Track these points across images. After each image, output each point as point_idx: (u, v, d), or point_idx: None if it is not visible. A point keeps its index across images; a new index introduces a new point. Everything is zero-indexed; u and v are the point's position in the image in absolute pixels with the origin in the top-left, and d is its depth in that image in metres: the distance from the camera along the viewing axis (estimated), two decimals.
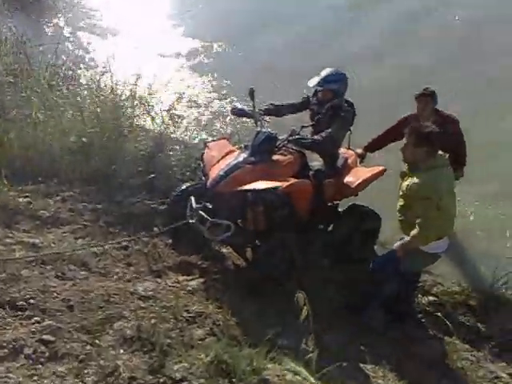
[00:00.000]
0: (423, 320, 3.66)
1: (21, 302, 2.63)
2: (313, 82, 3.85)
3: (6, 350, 2.29)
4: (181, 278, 3.47)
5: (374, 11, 8.66)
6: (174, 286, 3.33)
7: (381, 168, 4.12)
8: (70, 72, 5.94)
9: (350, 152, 4.28)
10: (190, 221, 3.52)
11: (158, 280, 3.37)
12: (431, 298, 3.85)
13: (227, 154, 3.80)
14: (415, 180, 3.06)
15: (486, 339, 3.55)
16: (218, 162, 3.70)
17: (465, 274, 4.12)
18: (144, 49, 7.62)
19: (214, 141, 4.29)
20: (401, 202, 3.19)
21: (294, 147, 3.79)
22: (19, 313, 2.56)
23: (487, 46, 7.33)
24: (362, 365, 3.05)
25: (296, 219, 3.67)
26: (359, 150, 4.42)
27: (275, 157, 3.70)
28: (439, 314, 3.57)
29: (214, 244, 3.87)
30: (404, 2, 8.70)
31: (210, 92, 6.83)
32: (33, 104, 4.59)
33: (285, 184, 3.43)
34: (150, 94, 5.51)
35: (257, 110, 3.93)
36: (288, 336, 2.98)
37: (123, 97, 5.15)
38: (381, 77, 6.89)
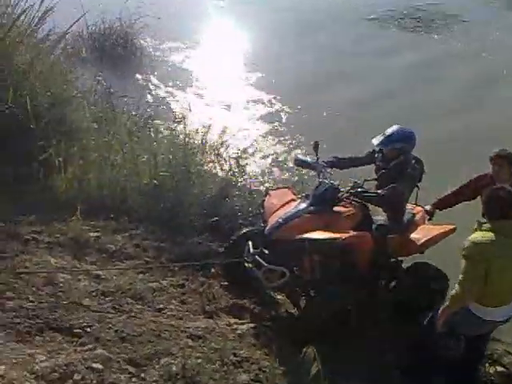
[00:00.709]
0: None
1: (78, 330, 2.78)
2: (377, 140, 3.80)
3: (56, 374, 2.40)
4: (232, 321, 3.48)
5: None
6: (224, 328, 3.34)
7: (451, 227, 3.94)
8: (150, 121, 6.40)
9: (418, 208, 4.14)
10: (246, 265, 3.57)
11: (210, 320, 3.40)
12: (499, 369, 3.51)
13: (288, 202, 3.84)
14: (471, 236, 2.91)
15: None
16: (278, 209, 3.75)
17: None
18: (217, 100, 8.08)
19: (276, 189, 4.37)
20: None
21: (356, 200, 3.75)
22: (75, 339, 2.70)
23: None
24: None
25: (354, 272, 3.57)
26: (428, 207, 4.25)
27: (336, 208, 3.67)
28: None
29: (268, 290, 3.85)
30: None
31: (276, 143, 7.03)
32: (112, 148, 5.00)
33: (344, 235, 3.39)
34: (219, 143, 5.81)
35: (320, 162, 3.96)
36: None
37: (195, 144, 5.46)
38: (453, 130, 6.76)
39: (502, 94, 7.87)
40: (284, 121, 7.67)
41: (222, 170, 5.68)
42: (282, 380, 2.95)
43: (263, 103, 8.18)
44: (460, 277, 2.88)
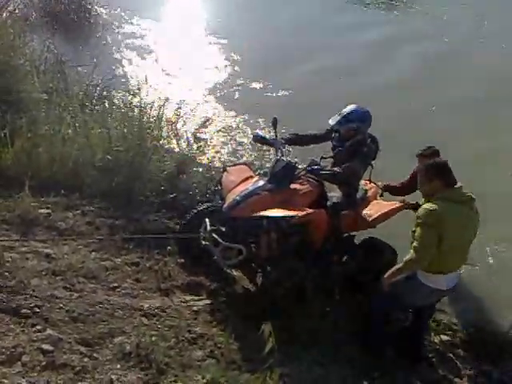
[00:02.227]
0: (433, 360, 3.51)
1: (25, 310, 2.69)
2: (333, 120, 3.85)
3: (3, 356, 2.34)
4: (188, 298, 3.48)
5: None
6: (179, 306, 3.34)
7: (402, 203, 4.02)
8: (104, 92, 6.16)
9: (371, 184, 4.23)
10: (203, 242, 3.56)
11: (165, 298, 3.39)
12: (444, 338, 3.70)
13: (246, 179, 3.83)
14: (425, 205, 3.03)
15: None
16: (236, 186, 3.73)
17: (482, 315, 3.94)
18: (175, 73, 7.85)
19: (233, 165, 4.34)
20: (413, 229, 3.12)
21: (312, 177, 3.80)
22: (23, 320, 2.62)
23: None
24: None
25: (310, 248, 3.65)
26: (380, 183, 4.38)
27: (293, 185, 3.71)
28: (451, 354, 3.42)
29: (225, 267, 3.85)
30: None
31: (236, 119, 6.95)
32: (63, 121, 4.79)
33: (301, 213, 3.43)
34: (176, 117, 5.68)
35: (278, 139, 3.97)
36: (288, 365, 2.92)
37: (151, 118, 5.31)
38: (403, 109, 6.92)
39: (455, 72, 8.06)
40: (244, 95, 7.56)
41: (179, 145, 5.59)
42: (237, 355, 2.99)
43: (224, 77, 8.02)
44: (415, 243, 2.99)
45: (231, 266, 3.70)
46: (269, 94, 7.62)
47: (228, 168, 4.13)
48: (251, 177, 3.88)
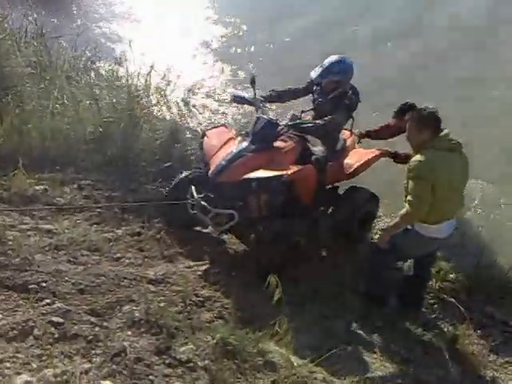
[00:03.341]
0: (436, 305, 3.60)
1: (32, 286, 2.72)
2: (315, 73, 3.76)
3: (15, 332, 2.36)
4: (192, 263, 3.52)
5: None
6: (184, 271, 3.38)
7: (381, 150, 4.04)
8: (89, 63, 6.02)
9: (347, 133, 4.18)
10: (192, 211, 3.50)
11: (169, 265, 3.42)
12: (446, 284, 3.78)
13: (227, 142, 3.75)
14: (415, 157, 3.03)
15: (500, 324, 3.47)
16: (219, 150, 3.65)
17: (482, 260, 4.01)
18: (160, 38, 7.65)
19: (212, 128, 4.20)
20: (405, 182, 3.13)
21: (295, 133, 3.73)
22: (31, 295, 2.64)
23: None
24: (366, 349, 3.03)
25: (299, 205, 3.65)
26: (357, 131, 4.33)
27: (277, 143, 3.65)
28: (453, 299, 3.50)
29: (217, 233, 3.77)
30: None
31: (225, 81, 6.83)
32: (51, 95, 4.69)
33: (289, 171, 3.40)
34: (165, 84, 5.57)
35: (257, 97, 3.86)
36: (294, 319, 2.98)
37: (139, 87, 5.21)
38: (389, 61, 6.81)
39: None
40: (232, 57, 7.41)
41: (170, 112, 5.51)
42: (245, 313, 3.05)
43: (210, 39, 7.84)
44: (409, 197, 3.00)
45: (223, 231, 3.64)
46: (257, 51, 7.47)
47: (207, 132, 4.00)
48: (232, 138, 3.80)
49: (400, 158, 4.12)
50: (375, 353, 3.03)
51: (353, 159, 3.91)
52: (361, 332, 3.18)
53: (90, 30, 7.49)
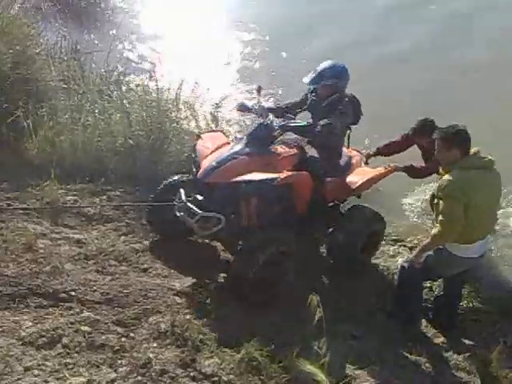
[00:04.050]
0: (468, 327, 3.48)
1: (62, 294, 2.76)
2: (308, 78, 3.65)
3: (44, 339, 2.40)
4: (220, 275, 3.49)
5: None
6: (210, 284, 3.36)
7: (388, 168, 3.91)
8: (120, 78, 6.16)
9: (354, 152, 4.08)
10: (178, 214, 3.29)
11: (195, 277, 3.41)
12: (478, 305, 3.66)
13: (222, 145, 3.60)
14: (446, 176, 2.96)
15: None
16: (212, 153, 3.50)
17: None
18: (188, 54, 7.79)
19: (208, 132, 4.10)
20: (435, 201, 3.07)
21: (293, 141, 3.61)
22: (60, 303, 2.68)
23: None
24: (395, 370, 2.94)
25: (293, 216, 3.43)
26: (364, 151, 4.28)
27: (273, 149, 3.47)
28: (484, 321, 3.39)
29: (202, 238, 3.60)
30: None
31: (250, 96, 6.88)
32: (83, 108, 4.81)
33: (282, 175, 3.20)
34: (194, 98, 5.64)
35: (261, 106, 3.72)
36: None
37: (168, 101, 5.30)
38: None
39: None
40: (257, 72, 7.49)
41: (198, 126, 5.57)
42: (272, 329, 3.01)
43: (236, 55, 7.96)
44: (440, 217, 2.94)
45: (209, 236, 3.44)
46: (283, 68, 7.51)
47: (202, 135, 3.90)
48: (228, 143, 3.65)
49: (415, 172, 4.06)
50: (404, 374, 2.94)
51: (357, 176, 3.75)
52: (389, 352, 3.09)
53: (122, 45, 7.68)
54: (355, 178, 3.72)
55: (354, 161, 3.94)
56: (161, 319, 2.80)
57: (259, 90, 3.83)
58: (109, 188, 4.28)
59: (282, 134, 3.54)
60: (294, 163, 3.46)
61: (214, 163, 3.29)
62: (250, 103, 3.91)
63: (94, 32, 8.00)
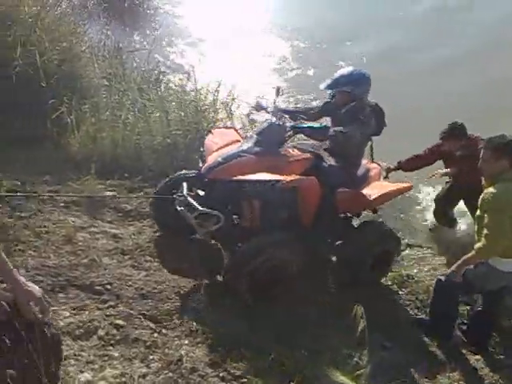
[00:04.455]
0: (505, 344, 3.38)
1: (98, 287, 2.83)
2: (324, 84, 3.49)
3: (81, 330, 2.47)
4: None
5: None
6: None
7: (406, 184, 3.77)
8: (160, 77, 6.28)
9: (374, 165, 3.85)
10: (178, 208, 3.18)
11: None
12: None
13: (232, 143, 3.48)
14: (490, 189, 2.88)
15: None
16: (220, 149, 3.38)
17: None
18: (228, 55, 7.88)
19: (220, 127, 3.98)
20: (478, 213, 2.99)
21: (308, 146, 3.49)
22: (96, 296, 2.75)
23: None
24: None
25: (298, 222, 3.27)
26: (385, 164, 4.16)
27: (283, 151, 3.32)
28: None
29: (200, 236, 3.34)
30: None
31: (286, 99, 6.89)
32: (124, 106, 4.93)
33: (288, 178, 3.05)
34: (231, 99, 5.70)
35: (276, 107, 3.58)
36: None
37: (206, 101, 5.37)
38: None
39: None
40: (298, 75, 7.49)
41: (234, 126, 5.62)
42: (300, 335, 3.00)
43: (276, 57, 8.00)
44: (485, 230, 2.86)
45: (207, 234, 3.23)
46: (323, 72, 7.49)
47: (213, 130, 3.79)
48: (238, 141, 3.53)
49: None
50: None
51: (373, 190, 3.48)
52: (422, 366, 3.03)
53: (163, 45, 7.82)
54: (370, 192, 3.43)
55: (371, 173, 3.73)
56: (193, 317, 2.83)
57: (278, 90, 3.66)
58: (146, 185, 4.36)
59: (293, 136, 3.43)
60: (304, 168, 3.30)
61: (219, 159, 3.17)
62: (265, 103, 3.78)
63: (137, 31, 8.19)
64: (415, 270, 4.13)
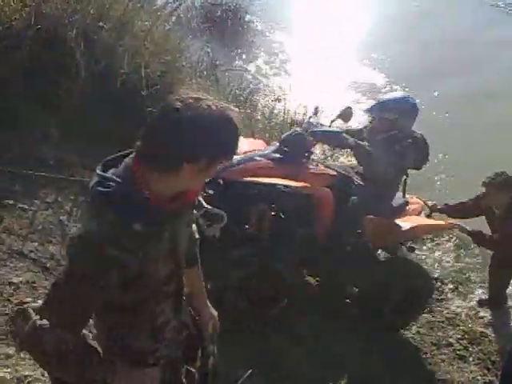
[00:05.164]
0: None
1: None
2: (368, 106, 3.35)
3: None
4: None
5: None
6: None
7: (447, 222, 3.51)
8: (249, 96, 6.51)
9: (416, 199, 3.58)
10: None
11: None
12: None
13: (256, 150, 3.30)
14: None
15: None
16: (243, 154, 3.18)
17: None
18: (319, 85, 7.98)
19: (252, 138, 3.92)
20: None
21: (338, 168, 3.28)
22: None
23: None
24: None
25: (313, 238, 3.07)
26: (430, 202, 3.89)
27: (307, 163, 3.13)
28: None
29: (208, 236, 3.08)
30: None
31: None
32: None
33: (299, 184, 2.89)
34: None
35: (309, 121, 3.40)
36: None
37: (293, 124, 5.50)
38: None
39: None
40: None
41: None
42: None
43: (360, 85, 7.99)
44: None
45: (211, 234, 2.93)
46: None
47: (243, 138, 3.62)
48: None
49: (482, 240, 3.58)
50: None
51: (407, 223, 3.16)
52: None
53: (257, 66, 8.10)
54: (403, 224, 3.13)
55: (410, 207, 3.42)
56: None
57: (316, 109, 3.54)
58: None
59: (316, 144, 3.30)
60: (325, 183, 3.09)
61: (235, 160, 2.97)
62: (316, 122, 3.49)
63: (233, 51, 8.54)
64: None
